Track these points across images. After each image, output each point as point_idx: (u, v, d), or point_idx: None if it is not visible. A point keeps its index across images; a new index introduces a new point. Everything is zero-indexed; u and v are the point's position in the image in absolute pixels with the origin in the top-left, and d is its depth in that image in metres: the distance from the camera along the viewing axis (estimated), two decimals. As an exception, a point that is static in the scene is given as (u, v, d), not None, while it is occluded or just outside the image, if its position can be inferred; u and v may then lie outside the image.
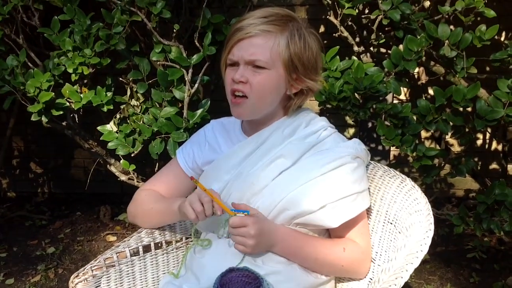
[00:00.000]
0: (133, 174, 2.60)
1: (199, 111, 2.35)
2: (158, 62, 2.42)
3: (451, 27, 2.32)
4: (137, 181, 2.60)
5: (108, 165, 2.72)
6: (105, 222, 3.49)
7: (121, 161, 2.54)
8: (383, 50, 2.87)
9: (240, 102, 1.47)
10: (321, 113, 2.99)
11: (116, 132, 2.44)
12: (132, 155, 2.42)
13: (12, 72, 2.35)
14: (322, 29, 3.19)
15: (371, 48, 2.81)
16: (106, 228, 3.42)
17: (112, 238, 3.29)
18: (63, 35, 2.34)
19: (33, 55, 2.48)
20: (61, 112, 2.39)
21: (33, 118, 2.36)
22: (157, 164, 2.45)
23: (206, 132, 1.69)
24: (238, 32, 1.45)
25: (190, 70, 2.35)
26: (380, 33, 2.60)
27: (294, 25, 1.46)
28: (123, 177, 2.66)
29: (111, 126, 2.46)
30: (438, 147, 3.02)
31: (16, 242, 3.27)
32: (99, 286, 1.57)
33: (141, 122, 2.39)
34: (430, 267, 2.88)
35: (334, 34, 2.60)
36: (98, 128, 2.46)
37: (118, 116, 2.48)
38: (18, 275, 2.92)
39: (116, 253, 1.62)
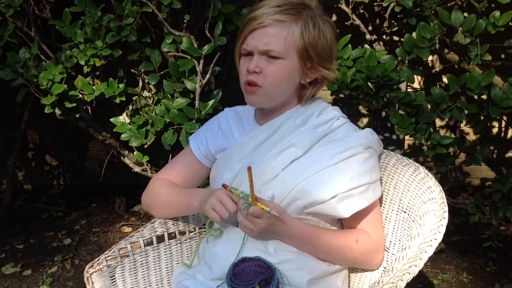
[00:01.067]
0: (147, 165, 2.60)
1: (211, 102, 2.35)
2: (169, 53, 2.42)
3: (465, 13, 2.28)
4: (151, 173, 2.61)
5: (122, 157, 2.73)
6: (120, 213, 3.52)
7: (134, 153, 2.55)
8: (395, 38, 2.84)
9: (255, 90, 1.47)
10: (334, 103, 2.97)
11: (129, 123, 2.45)
12: (145, 146, 2.43)
13: (24, 65, 2.37)
14: (334, 17, 3.16)
15: (384, 36, 2.78)
16: (122, 219, 3.45)
17: (127, 229, 3.32)
18: (75, 27, 2.35)
19: (45, 48, 2.49)
20: (74, 104, 2.41)
21: (47, 110, 2.38)
22: (170, 155, 2.46)
23: (220, 119, 1.68)
24: (251, 22, 1.44)
25: (202, 61, 2.35)
26: (393, 21, 2.57)
27: (308, 13, 1.44)
28: (137, 169, 2.67)
29: (123, 118, 2.47)
30: (453, 135, 2.99)
31: (33, 234, 3.31)
32: (114, 276, 1.59)
33: (154, 113, 2.40)
34: (446, 256, 2.86)
35: (346, 23, 2.58)
36: (111, 119, 2.48)
37: (130, 107, 2.49)
38: (35, 266, 2.95)
39: (130, 243, 1.63)
